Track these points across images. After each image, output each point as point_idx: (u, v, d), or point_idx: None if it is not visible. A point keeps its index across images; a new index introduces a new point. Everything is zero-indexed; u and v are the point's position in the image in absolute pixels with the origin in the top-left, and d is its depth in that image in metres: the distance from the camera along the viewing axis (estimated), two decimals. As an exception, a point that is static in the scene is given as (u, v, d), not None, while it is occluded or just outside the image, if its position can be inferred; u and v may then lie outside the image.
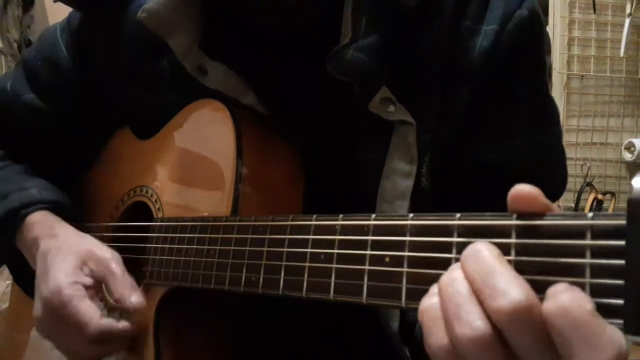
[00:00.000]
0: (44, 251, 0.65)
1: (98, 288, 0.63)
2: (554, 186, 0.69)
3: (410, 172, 0.61)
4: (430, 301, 0.35)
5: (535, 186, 0.65)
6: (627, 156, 2.03)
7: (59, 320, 0.60)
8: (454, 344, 0.33)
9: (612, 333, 0.29)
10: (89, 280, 0.62)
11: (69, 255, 0.63)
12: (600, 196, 2.02)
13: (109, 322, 0.60)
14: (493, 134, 0.64)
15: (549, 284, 0.31)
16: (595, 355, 0.29)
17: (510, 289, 0.31)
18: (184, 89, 0.67)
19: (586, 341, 0.29)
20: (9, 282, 0.82)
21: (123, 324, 0.61)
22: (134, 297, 0.61)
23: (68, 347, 0.63)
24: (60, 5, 0.71)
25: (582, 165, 2.03)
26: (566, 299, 0.29)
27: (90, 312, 0.59)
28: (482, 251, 0.33)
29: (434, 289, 0.35)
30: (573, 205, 2.02)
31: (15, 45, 1.99)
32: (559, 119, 0.69)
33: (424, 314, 0.35)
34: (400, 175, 0.61)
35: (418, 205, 0.61)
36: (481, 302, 0.32)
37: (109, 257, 0.63)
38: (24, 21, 2.05)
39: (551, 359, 0.31)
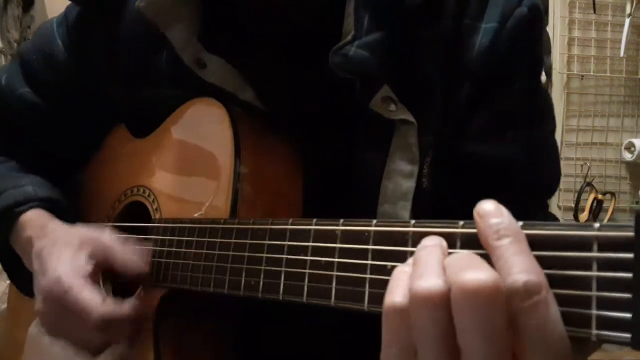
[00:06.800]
0: (38, 249, 0.64)
1: (98, 275, 0.63)
2: (546, 181, 0.69)
3: (411, 173, 0.60)
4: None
5: (527, 181, 0.66)
6: (627, 156, 2.03)
7: (61, 310, 0.59)
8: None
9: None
10: (88, 267, 0.61)
11: (64, 246, 0.63)
12: (600, 196, 2.02)
13: (111, 307, 0.59)
14: (488, 129, 0.63)
15: (554, 296, 0.31)
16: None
17: (479, 270, 0.31)
18: (182, 84, 0.66)
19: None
20: (8, 282, 0.81)
21: (125, 308, 0.60)
22: (137, 261, 0.61)
23: (72, 336, 0.62)
24: (60, 5, 0.71)
25: (582, 165, 2.03)
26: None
27: (92, 299, 0.58)
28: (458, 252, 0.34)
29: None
30: (573, 205, 2.02)
31: (15, 45, 1.98)
32: (553, 114, 0.69)
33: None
34: (401, 175, 0.60)
35: (419, 206, 0.61)
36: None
37: (102, 235, 0.63)
38: (24, 21, 2.05)
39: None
